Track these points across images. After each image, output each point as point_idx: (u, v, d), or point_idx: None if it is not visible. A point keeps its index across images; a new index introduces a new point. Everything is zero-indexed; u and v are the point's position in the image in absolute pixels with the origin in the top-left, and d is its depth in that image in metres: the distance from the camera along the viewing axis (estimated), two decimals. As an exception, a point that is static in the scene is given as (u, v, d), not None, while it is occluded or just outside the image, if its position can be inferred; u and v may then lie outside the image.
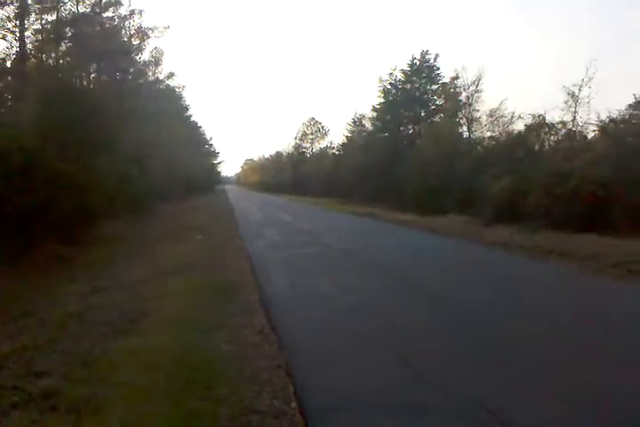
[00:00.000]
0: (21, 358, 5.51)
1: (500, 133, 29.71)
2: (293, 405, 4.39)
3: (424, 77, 42.61)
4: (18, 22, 23.50)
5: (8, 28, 23.18)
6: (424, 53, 42.66)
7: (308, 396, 4.57)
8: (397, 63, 53.69)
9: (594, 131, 23.11)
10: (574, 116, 23.73)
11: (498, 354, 5.63)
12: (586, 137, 24.01)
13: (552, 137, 25.54)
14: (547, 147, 25.54)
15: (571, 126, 24.14)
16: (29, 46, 25.30)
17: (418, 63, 42.81)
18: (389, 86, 44.42)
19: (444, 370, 5.12)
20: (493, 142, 29.80)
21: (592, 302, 8.24)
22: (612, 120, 20.39)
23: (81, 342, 6.02)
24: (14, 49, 23.69)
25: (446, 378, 4.88)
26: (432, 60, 42.47)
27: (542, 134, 25.68)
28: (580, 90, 23.22)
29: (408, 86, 43.24)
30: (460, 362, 5.38)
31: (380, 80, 44.92)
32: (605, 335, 6.34)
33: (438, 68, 42.24)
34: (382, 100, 45.03)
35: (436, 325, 6.88)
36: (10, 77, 24.34)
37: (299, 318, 7.30)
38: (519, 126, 28.14)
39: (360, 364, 5.36)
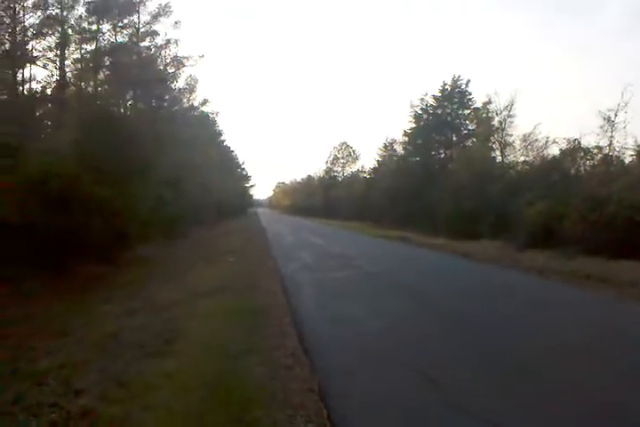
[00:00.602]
0: (60, 376, 5.61)
1: (535, 158, 29.45)
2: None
3: (456, 102, 42.71)
4: (59, 52, 24.42)
5: (49, 58, 24.11)
6: (456, 79, 42.85)
7: (343, 421, 4.51)
8: (429, 88, 54.13)
9: (631, 155, 22.79)
10: (610, 141, 23.39)
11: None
12: (623, 162, 23.63)
13: (588, 162, 25.21)
14: (582, 171, 25.18)
15: (607, 151, 23.79)
16: (69, 74, 26.34)
17: (449, 88, 42.97)
18: (421, 111, 44.60)
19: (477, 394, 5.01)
20: (527, 167, 29.52)
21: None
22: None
23: (116, 363, 6.10)
24: (54, 77, 24.61)
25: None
26: (464, 86, 42.66)
27: (578, 159, 25.36)
28: (615, 115, 22.94)
29: (440, 111, 43.36)
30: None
31: (412, 105, 45.26)
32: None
33: (470, 93, 42.41)
34: (414, 125, 45.21)
35: (471, 356, 6.72)
36: (50, 104, 25.19)
37: (330, 341, 7.23)
38: (554, 151, 27.88)
39: (389, 389, 5.28)
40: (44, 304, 9.75)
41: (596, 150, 24.31)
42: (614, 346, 6.96)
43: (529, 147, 30.14)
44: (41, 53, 23.72)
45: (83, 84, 27.44)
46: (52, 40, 24.03)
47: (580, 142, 25.12)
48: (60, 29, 24.22)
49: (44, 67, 24.16)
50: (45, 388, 5.26)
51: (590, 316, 9.15)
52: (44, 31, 23.49)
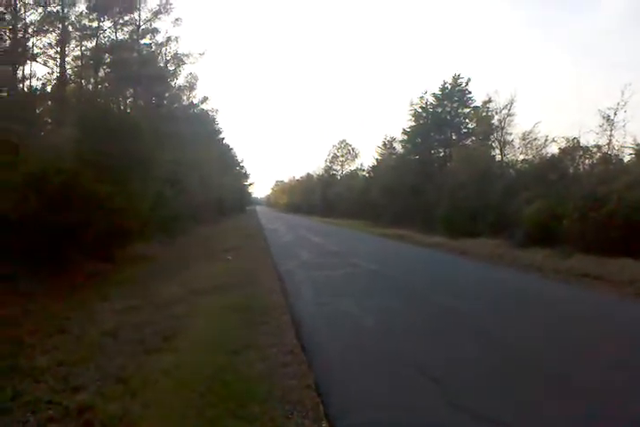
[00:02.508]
0: (58, 373, 5.63)
1: (534, 157, 29.43)
2: (324, 425, 4.39)
3: (456, 101, 42.66)
4: (59, 49, 24.36)
5: (49, 55, 24.04)
6: (456, 77, 42.79)
7: (338, 416, 4.55)
8: (428, 86, 54.15)
9: (630, 154, 22.81)
10: (610, 140, 23.43)
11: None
12: (622, 160, 23.65)
13: (587, 160, 25.22)
14: (581, 170, 25.19)
15: (606, 150, 23.82)
16: (69, 72, 26.20)
17: (450, 87, 42.91)
18: (420, 110, 44.57)
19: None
20: (526, 166, 29.51)
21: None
22: (648, 143, 20.08)
23: (115, 359, 6.13)
24: (55, 74, 24.52)
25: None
26: (464, 84, 42.56)
27: (577, 158, 25.38)
28: (615, 113, 22.97)
29: (439, 110, 43.33)
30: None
31: (411, 104, 45.19)
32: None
33: (470, 92, 42.32)
34: (413, 124, 45.18)
35: (473, 352, 6.77)
36: (50, 102, 25.14)
37: (328, 339, 7.27)
38: (553, 149, 27.87)
39: (387, 386, 5.32)
40: (43, 302, 9.77)
41: (595, 149, 24.33)
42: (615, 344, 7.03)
43: (528, 145, 30.10)
44: (41, 50, 23.63)
45: (83, 81, 27.38)
46: (52, 37, 23.95)
47: (579, 141, 25.14)
48: (60, 26, 24.14)
49: (45, 64, 24.08)
50: (43, 385, 5.28)
51: (588, 313, 9.21)
52: (44, 28, 23.42)
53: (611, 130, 23.21)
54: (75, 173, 13.68)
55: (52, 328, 7.82)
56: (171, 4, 30.35)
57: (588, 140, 25.40)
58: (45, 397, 4.92)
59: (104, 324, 8.03)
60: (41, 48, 23.65)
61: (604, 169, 22.85)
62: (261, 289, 11.26)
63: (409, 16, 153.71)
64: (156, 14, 30.15)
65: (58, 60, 24.50)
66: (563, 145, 26.24)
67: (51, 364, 5.97)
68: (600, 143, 23.88)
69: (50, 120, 24.95)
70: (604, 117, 23.25)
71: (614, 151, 23.59)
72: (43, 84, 24.43)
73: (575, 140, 25.28)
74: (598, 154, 24.28)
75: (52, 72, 24.48)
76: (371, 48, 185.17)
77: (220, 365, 5.86)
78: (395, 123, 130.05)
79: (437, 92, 43.47)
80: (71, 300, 10.09)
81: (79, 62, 26.66)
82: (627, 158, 23.44)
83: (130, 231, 15.97)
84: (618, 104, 22.83)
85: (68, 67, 25.71)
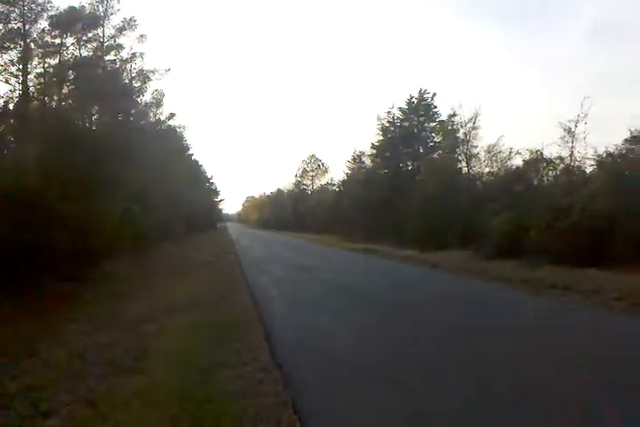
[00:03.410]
0: (27, 398, 5.47)
1: (499, 169, 29.97)
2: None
3: (422, 115, 43.33)
4: (21, 66, 24.04)
5: (11, 72, 23.71)
6: (422, 92, 43.49)
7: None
8: (395, 101, 54.54)
9: (592, 165, 23.37)
10: (572, 152, 24.02)
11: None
12: (584, 171, 24.22)
13: (550, 172, 25.76)
14: (545, 182, 25.72)
15: (569, 161, 24.38)
16: (32, 89, 25.81)
17: (416, 101, 43.58)
18: (388, 124, 45.13)
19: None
20: (492, 178, 30.02)
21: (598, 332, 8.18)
22: (609, 155, 20.60)
23: (85, 382, 5.98)
24: (17, 92, 24.20)
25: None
26: (430, 99, 43.30)
27: (541, 169, 25.90)
28: (576, 126, 23.58)
29: (406, 124, 43.95)
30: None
31: (379, 118, 45.74)
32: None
33: (436, 107, 43.07)
34: (381, 138, 45.68)
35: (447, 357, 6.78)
36: (12, 120, 24.70)
37: (302, 355, 7.20)
38: (518, 162, 28.43)
39: (364, 403, 5.27)
40: (9, 324, 9.48)
41: (557, 161, 24.90)
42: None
43: (493, 158, 30.69)
44: (2, 68, 23.34)
45: (46, 98, 27.02)
46: (13, 54, 23.70)
47: (542, 153, 25.70)
48: (22, 43, 23.87)
49: (7, 82, 23.77)
50: (12, 412, 5.12)
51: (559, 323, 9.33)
52: (5, 45, 23.14)
53: (572, 142, 23.81)
54: (38, 191, 13.40)
55: (20, 352, 7.58)
56: (135, 21, 30.33)
57: (551, 152, 26.02)
58: (15, 423, 4.79)
59: (73, 345, 7.85)
60: (2, 65, 23.34)
61: (567, 180, 23.39)
62: (234, 305, 11.14)
63: (375, 32, 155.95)
64: (120, 30, 30.06)
65: (20, 77, 24.19)
66: (527, 157, 26.78)
67: (19, 389, 5.80)
68: (563, 155, 24.47)
69: (12, 138, 24.51)
70: (565, 130, 23.86)
71: (576, 163, 24.18)
72: (5, 101, 24.05)
73: (538, 153, 25.83)
74: (561, 165, 24.82)
75: (14, 90, 24.15)
76: (338, 63, 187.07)
77: (192, 384, 5.76)
78: (363, 137, 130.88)
79: (404, 106, 44.12)
80: (39, 322, 9.82)
81: (42, 79, 26.31)
82: (588, 169, 24.00)
83: (96, 250, 15.66)
84: (578, 116, 23.47)
85: (30, 84, 25.38)
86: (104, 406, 5.12)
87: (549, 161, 25.35)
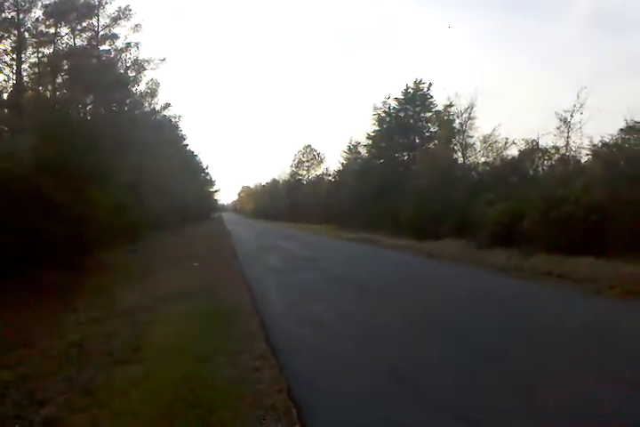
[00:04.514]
0: (23, 387, 5.51)
1: (495, 159, 29.97)
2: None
3: (418, 105, 43.24)
4: (15, 55, 23.83)
5: (5, 62, 23.52)
6: (418, 82, 43.38)
7: (313, 421, 4.53)
8: (391, 91, 54.45)
9: (587, 155, 23.40)
10: (567, 142, 24.06)
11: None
12: (579, 161, 24.24)
13: (546, 162, 25.79)
14: (541, 172, 25.74)
15: (564, 151, 24.41)
16: (26, 79, 25.59)
17: (412, 92, 43.47)
18: (384, 114, 45.03)
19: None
20: (487, 168, 30.01)
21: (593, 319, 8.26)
22: (604, 144, 20.59)
23: (82, 372, 6.02)
24: (11, 82, 24.01)
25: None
26: (426, 89, 43.21)
27: (536, 159, 25.92)
28: (571, 116, 23.60)
29: (402, 114, 43.85)
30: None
31: (375, 108, 45.62)
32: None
33: (432, 97, 43.00)
34: (377, 128, 45.58)
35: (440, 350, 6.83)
36: (6, 110, 24.55)
37: (298, 343, 7.26)
38: (513, 152, 28.43)
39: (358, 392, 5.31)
40: (6, 314, 9.48)
41: (553, 151, 24.92)
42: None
43: (489, 148, 30.69)
44: (-4, 57, 23.15)
45: (41, 88, 26.80)
46: (7, 43, 23.48)
47: (537, 143, 25.73)
48: (16, 33, 23.66)
49: (1, 71, 23.59)
50: (7, 399, 5.16)
51: (555, 309, 9.40)
52: (-1, 34, 22.96)
53: (568, 132, 23.83)
54: (33, 181, 13.35)
55: (18, 342, 7.60)
56: (130, 10, 29.96)
57: (546, 142, 26.06)
58: (11, 412, 4.81)
59: (70, 335, 7.88)
60: (-4, 55, 23.14)
61: (562, 170, 23.39)
62: (230, 295, 11.15)
63: (372, 21, 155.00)
64: (115, 20, 29.71)
65: (14, 66, 23.98)
66: (522, 147, 26.79)
67: (16, 378, 5.83)
68: (558, 145, 24.48)
69: (6, 128, 24.37)
70: (561, 120, 23.87)
71: (572, 153, 24.21)
72: (-1, 91, 23.89)
73: (534, 143, 25.84)
74: (556, 155, 24.85)
75: (9, 79, 23.98)
76: (335, 52, 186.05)
77: (189, 372, 5.80)
78: (359, 127, 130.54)
79: (400, 96, 44.00)
80: (36, 312, 9.82)
81: (36, 69, 26.09)
82: (584, 159, 24.04)
83: (90, 240, 15.64)
84: (574, 106, 23.47)
85: (24, 73, 25.15)
86: (101, 395, 5.17)
87: (545, 151, 25.39)
